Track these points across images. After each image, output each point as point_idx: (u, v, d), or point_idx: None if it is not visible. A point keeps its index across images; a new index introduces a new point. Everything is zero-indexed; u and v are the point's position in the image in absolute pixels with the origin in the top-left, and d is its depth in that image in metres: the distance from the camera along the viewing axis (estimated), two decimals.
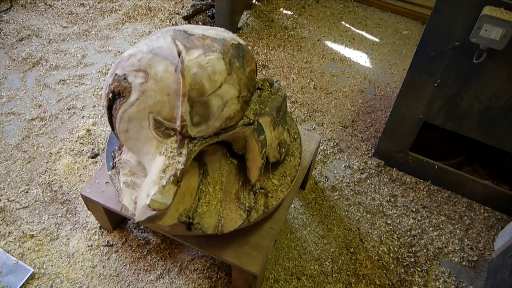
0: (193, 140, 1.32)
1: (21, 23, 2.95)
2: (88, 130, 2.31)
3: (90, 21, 3.03)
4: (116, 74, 1.34)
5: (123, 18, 3.05)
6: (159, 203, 1.26)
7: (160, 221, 1.34)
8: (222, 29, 1.51)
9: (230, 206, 1.48)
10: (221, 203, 1.48)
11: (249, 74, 1.41)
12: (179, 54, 1.29)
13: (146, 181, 1.31)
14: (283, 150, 1.59)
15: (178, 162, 1.30)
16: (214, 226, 1.44)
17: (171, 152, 1.32)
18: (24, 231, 1.90)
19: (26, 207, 1.99)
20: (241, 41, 1.45)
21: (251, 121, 1.42)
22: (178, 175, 1.28)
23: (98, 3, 3.17)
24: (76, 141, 2.26)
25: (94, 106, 2.45)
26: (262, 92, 1.51)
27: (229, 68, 1.32)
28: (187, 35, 1.36)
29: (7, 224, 1.92)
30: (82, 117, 2.39)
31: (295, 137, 1.74)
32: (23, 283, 1.73)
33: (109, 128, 2.33)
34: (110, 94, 1.36)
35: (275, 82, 1.61)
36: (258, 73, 1.63)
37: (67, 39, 2.87)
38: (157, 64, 1.30)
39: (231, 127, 1.39)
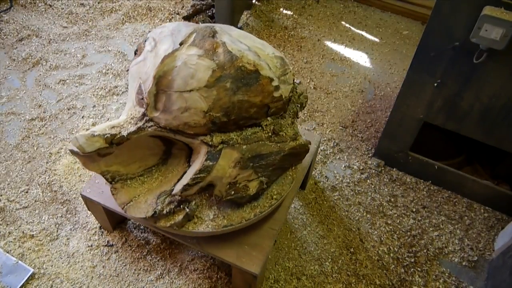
0: (151, 122, 1.38)
1: (21, 23, 2.95)
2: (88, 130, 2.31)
3: (90, 21, 3.03)
4: (147, 34, 1.49)
5: (123, 18, 3.05)
6: (78, 144, 1.35)
7: (82, 163, 1.43)
8: (273, 53, 1.43)
9: (148, 198, 1.48)
10: (148, 191, 1.49)
11: (239, 103, 1.32)
12: (181, 44, 1.34)
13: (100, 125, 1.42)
14: (232, 192, 1.43)
15: (127, 129, 1.37)
16: (123, 201, 1.48)
17: (131, 118, 1.40)
18: (24, 231, 1.90)
19: (26, 207, 1.99)
20: (267, 74, 1.34)
21: (210, 143, 1.37)
22: (115, 137, 1.35)
23: (98, 3, 3.17)
24: None
25: (94, 106, 2.45)
26: (260, 132, 1.43)
27: (212, 82, 1.30)
28: (209, 35, 1.36)
29: (7, 224, 1.92)
30: (82, 117, 2.39)
31: (275, 198, 1.54)
32: (23, 283, 1.72)
33: None
34: (135, 48, 1.51)
35: (291, 135, 1.48)
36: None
37: (67, 39, 2.87)
38: (164, 42, 1.39)
39: (189, 135, 1.39)
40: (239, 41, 1.39)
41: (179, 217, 1.44)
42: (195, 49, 1.33)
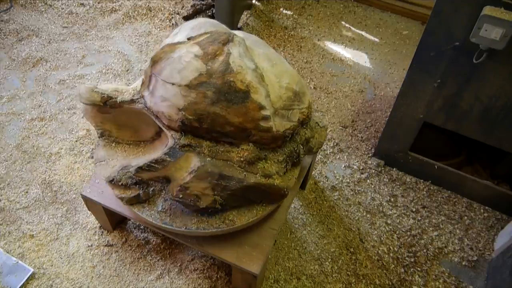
0: (141, 98, 1.46)
1: (21, 23, 2.95)
2: (88, 130, 2.31)
3: (90, 21, 3.03)
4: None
5: (123, 18, 3.05)
6: (79, 92, 1.49)
7: (84, 109, 1.55)
8: (288, 83, 1.40)
9: (116, 164, 1.53)
10: (122, 158, 1.55)
11: (214, 115, 1.30)
12: (189, 39, 1.39)
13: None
14: (181, 196, 1.40)
15: (123, 97, 1.48)
16: (98, 157, 1.56)
17: (133, 89, 1.50)
18: (24, 231, 1.90)
19: (26, 207, 1.99)
20: (258, 100, 1.30)
21: (176, 140, 1.37)
22: (111, 99, 1.47)
23: (98, 3, 3.17)
24: (76, 141, 2.26)
25: None
26: (234, 153, 1.38)
27: (195, 85, 1.30)
28: (222, 41, 1.35)
29: (7, 224, 1.92)
30: (82, 117, 2.38)
31: (227, 223, 1.46)
32: (23, 283, 1.72)
33: None
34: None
35: (268, 172, 1.40)
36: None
37: (67, 39, 2.87)
38: (183, 33, 1.48)
39: (164, 124, 1.42)
40: (251, 59, 1.36)
41: (130, 194, 1.48)
42: (197, 48, 1.33)
